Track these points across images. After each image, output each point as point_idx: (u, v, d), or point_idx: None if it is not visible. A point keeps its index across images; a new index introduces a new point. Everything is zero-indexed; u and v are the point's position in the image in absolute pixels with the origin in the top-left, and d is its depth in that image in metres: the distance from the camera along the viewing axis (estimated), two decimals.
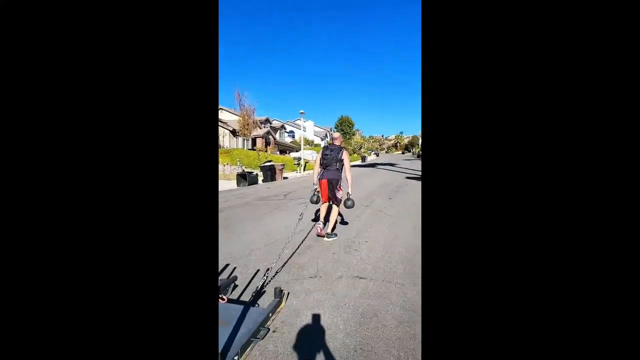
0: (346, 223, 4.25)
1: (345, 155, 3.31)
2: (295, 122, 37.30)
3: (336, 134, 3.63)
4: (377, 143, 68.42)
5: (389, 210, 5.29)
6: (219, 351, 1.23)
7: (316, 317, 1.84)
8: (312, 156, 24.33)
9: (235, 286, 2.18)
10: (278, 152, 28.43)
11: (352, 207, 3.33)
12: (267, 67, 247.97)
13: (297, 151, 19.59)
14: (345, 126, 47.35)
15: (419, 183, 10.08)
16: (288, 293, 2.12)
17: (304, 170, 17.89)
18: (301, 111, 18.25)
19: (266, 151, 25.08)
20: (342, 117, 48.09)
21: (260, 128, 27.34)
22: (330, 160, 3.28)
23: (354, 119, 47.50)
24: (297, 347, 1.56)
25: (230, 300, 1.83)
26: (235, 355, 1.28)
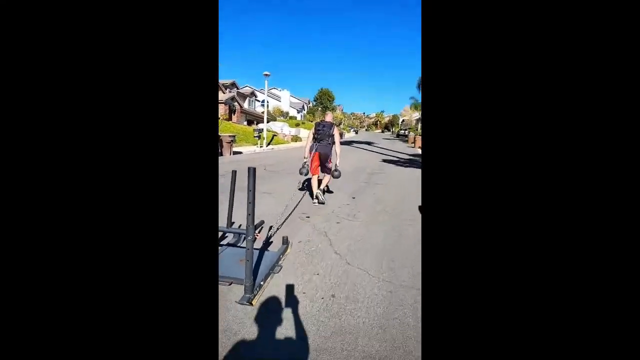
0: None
1: (335, 131, 3.74)
2: (270, 90, 33.28)
3: (329, 114, 4.04)
4: (358, 120, 65.97)
5: (342, 231, 2.85)
6: (252, 279, 1.71)
7: None
8: (281, 129, 21.23)
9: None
10: (245, 123, 25.12)
11: (339, 177, 3.84)
12: (242, 30, 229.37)
13: (268, 122, 16.09)
14: (325, 99, 44.16)
15: (398, 168, 7.86)
16: (291, 242, 2.44)
17: (268, 144, 14.86)
18: (265, 72, 14.65)
19: (230, 120, 21.71)
20: (322, 89, 44.78)
21: (224, 92, 23.73)
22: (323, 135, 3.68)
23: (335, 94, 44.39)
24: None
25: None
26: (262, 281, 1.86)
